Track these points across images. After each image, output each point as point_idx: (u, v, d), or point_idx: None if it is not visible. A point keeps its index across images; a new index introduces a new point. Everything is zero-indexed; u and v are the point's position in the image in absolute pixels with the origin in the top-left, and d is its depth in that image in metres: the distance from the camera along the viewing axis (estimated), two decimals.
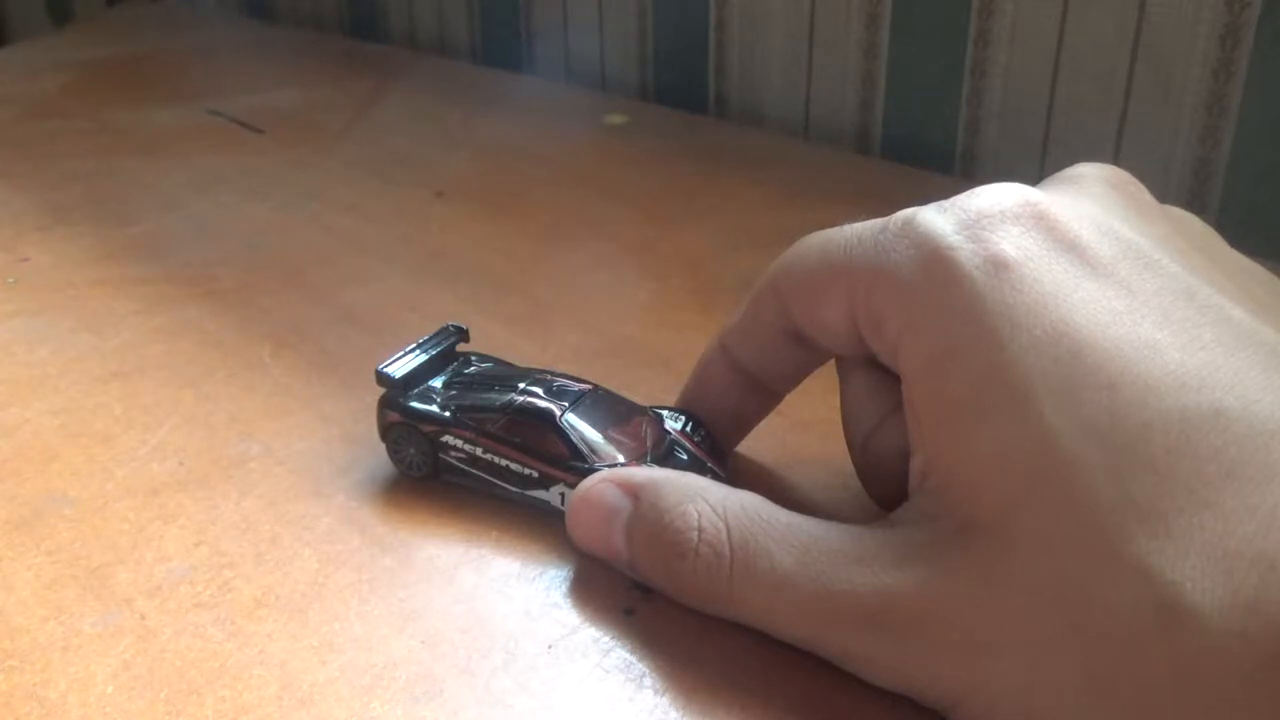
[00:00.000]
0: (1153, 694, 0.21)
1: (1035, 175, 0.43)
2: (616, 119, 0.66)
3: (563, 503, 0.30)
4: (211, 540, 0.30)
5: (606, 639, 0.27)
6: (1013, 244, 0.25)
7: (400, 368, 0.32)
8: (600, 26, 0.72)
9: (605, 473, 0.29)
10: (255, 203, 0.54)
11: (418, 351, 0.33)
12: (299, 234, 0.50)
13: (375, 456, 0.33)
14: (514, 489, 0.31)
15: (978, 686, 0.23)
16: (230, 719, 0.25)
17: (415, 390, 0.32)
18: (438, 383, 0.33)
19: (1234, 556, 0.20)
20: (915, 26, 0.59)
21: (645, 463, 0.30)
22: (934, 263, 0.25)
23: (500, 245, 0.49)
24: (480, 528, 0.31)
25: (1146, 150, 0.52)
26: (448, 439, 0.31)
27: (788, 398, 0.33)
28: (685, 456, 0.31)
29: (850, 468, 0.30)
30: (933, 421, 0.25)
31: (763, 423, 0.33)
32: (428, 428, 0.31)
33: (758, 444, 0.34)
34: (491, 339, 0.39)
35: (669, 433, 0.31)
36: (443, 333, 0.34)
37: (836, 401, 0.31)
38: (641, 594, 0.28)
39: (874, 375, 0.29)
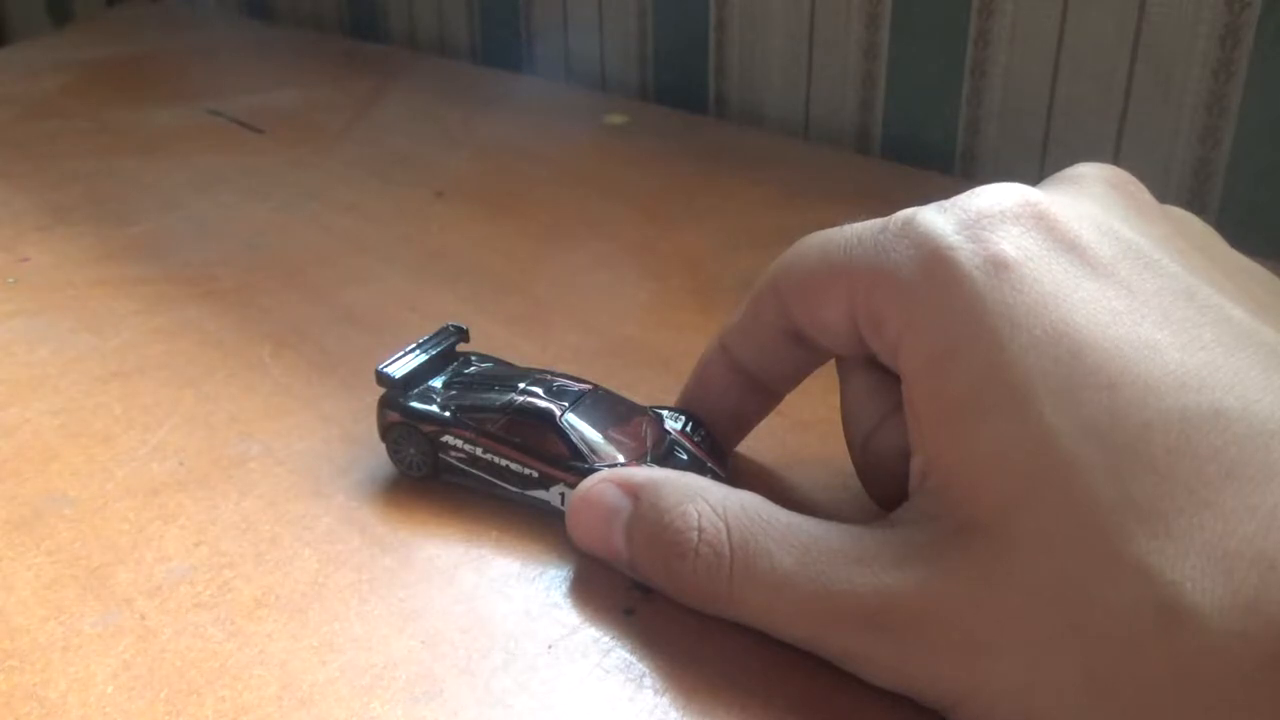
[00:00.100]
0: (1153, 694, 0.21)
1: (1035, 175, 0.43)
2: (616, 119, 0.66)
3: (563, 503, 0.30)
4: (211, 540, 0.30)
5: (606, 639, 0.27)
6: (1013, 244, 0.25)
7: (400, 368, 0.32)
8: (600, 26, 0.72)
9: (605, 473, 0.29)
10: (255, 203, 0.54)
11: (418, 351, 0.33)
12: (299, 234, 0.50)
13: (375, 456, 0.33)
14: (514, 489, 0.31)
15: (978, 686, 0.23)
16: (230, 719, 0.25)
17: (415, 390, 0.32)
18: (438, 383, 0.33)
19: (1234, 556, 0.20)
20: (915, 26, 0.59)
21: (645, 463, 0.30)
22: (934, 263, 0.25)
23: (500, 245, 0.49)
24: (480, 528, 0.31)
25: (1146, 150, 0.52)
26: (448, 439, 0.31)
27: (788, 398, 0.33)
28: (685, 456, 0.31)
29: (850, 468, 0.30)
30: (933, 421, 0.25)
31: (763, 423, 0.33)
32: (428, 428, 0.31)
33: (758, 444, 0.34)
34: (491, 339, 0.39)
35: (669, 433, 0.31)
36: (443, 333, 0.34)
37: (836, 401, 0.31)
38: (641, 594, 0.28)
39: (874, 375, 0.29)
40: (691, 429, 0.32)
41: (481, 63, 0.80)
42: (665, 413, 0.32)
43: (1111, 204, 0.27)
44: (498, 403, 0.31)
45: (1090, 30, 0.53)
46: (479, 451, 0.31)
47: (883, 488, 0.29)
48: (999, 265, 0.24)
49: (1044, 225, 0.25)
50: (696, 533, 0.26)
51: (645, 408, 0.32)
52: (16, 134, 0.64)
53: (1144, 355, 0.23)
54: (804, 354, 0.31)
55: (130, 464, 0.34)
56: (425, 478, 0.32)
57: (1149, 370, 0.22)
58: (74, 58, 0.80)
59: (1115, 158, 0.54)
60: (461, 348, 0.34)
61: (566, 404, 0.31)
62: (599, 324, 0.42)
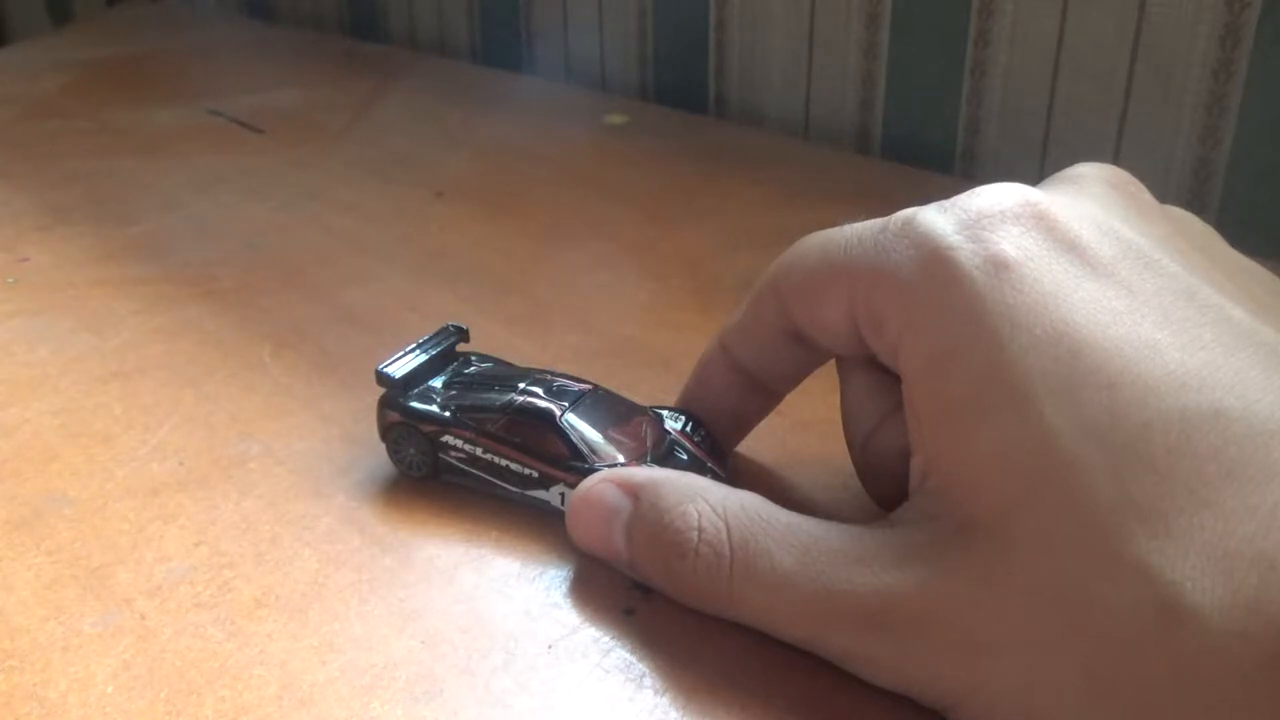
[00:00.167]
0: (1153, 694, 0.21)
1: (1035, 175, 0.43)
2: (616, 119, 0.66)
3: (563, 503, 0.30)
4: (211, 540, 0.30)
5: (606, 639, 0.27)
6: (1013, 244, 0.25)
7: (400, 368, 0.32)
8: (600, 26, 0.72)
9: (605, 473, 0.29)
10: (255, 203, 0.54)
11: (418, 351, 0.33)
12: (299, 234, 0.50)
13: (375, 456, 0.33)
14: (514, 489, 0.31)
15: (978, 686, 0.23)
16: (230, 719, 0.25)
17: (415, 390, 0.32)
18: (438, 383, 0.33)
19: (1234, 556, 0.20)
20: (915, 26, 0.59)
21: (645, 463, 0.30)
22: (934, 263, 0.25)
23: (500, 245, 0.49)
24: (480, 528, 0.31)
25: (1146, 150, 0.52)
26: (448, 439, 0.31)
27: (788, 398, 0.33)
28: (685, 456, 0.31)
29: (850, 468, 0.30)
30: (933, 421, 0.25)
31: (763, 423, 0.33)
32: (428, 428, 0.31)
33: (758, 444, 0.34)
34: (491, 339, 0.39)
35: (669, 433, 0.31)
36: (443, 333, 0.34)
37: (836, 401, 0.31)
38: (641, 594, 0.28)
39: (874, 375, 0.29)
40: (691, 429, 0.32)
41: (481, 63, 0.80)
42: (665, 413, 0.32)
43: (1112, 204, 0.27)
44: (498, 403, 0.31)
45: (1090, 30, 0.53)
46: (479, 451, 0.31)
47: (883, 488, 0.29)
48: (999, 265, 0.24)
49: (1044, 225, 0.25)
50: (696, 533, 0.26)
51: (645, 408, 0.32)
52: (16, 134, 0.64)
53: (1144, 355, 0.23)
54: (804, 354, 0.31)
55: (130, 464, 0.34)
56: (425, 478, 0.32)
57: (1149, 370, 0.22)
58: (74, 58, 0.80)
59: (1115, 158, 0.54)
60: (461, 348, 0.34)
61: (566, 404, 0.31)
62: (599, 324, 0.42)
